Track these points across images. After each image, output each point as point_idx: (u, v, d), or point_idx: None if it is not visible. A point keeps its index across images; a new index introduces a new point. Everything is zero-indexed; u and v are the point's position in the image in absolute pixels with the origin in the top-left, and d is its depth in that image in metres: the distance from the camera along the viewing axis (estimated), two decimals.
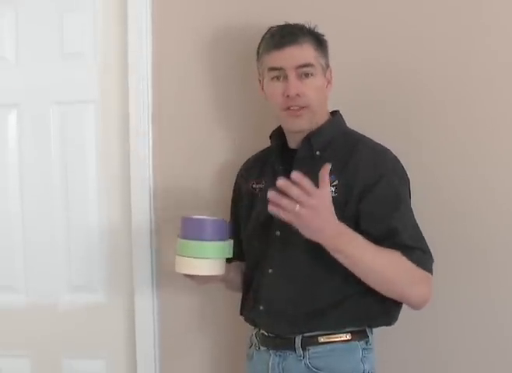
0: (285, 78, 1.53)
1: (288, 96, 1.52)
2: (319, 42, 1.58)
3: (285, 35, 1.54)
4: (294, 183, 1.30)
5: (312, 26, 1.59)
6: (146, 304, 2.00)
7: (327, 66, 1.60)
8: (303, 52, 1.53)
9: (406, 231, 1.46)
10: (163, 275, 2.00)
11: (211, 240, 1.52)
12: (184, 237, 1.53)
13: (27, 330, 2.12)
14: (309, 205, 1.30)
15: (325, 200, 1.35)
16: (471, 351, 1.79)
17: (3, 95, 2.09)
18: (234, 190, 1.79)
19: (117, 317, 2.07)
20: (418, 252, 1.45)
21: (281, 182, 1.29)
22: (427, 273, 1.46)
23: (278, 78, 1.55)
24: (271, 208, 1.32)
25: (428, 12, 1.78)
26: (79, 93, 2.05)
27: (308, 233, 1.36)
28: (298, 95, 1.52)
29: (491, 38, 1.75)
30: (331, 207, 1.36)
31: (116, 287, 2.07)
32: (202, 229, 1.53)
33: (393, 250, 1.43)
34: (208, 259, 1.52)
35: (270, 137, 1.68)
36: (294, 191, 1.29)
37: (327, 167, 1.34)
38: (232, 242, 1.57)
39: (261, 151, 1.75)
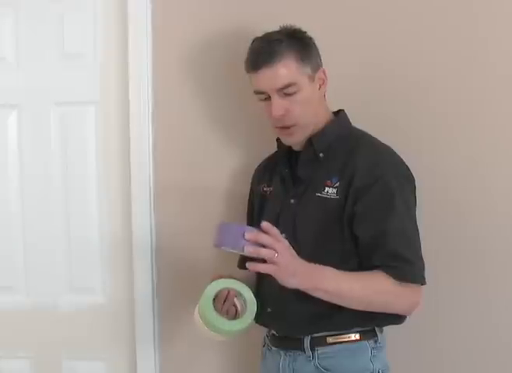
0: (269, 98, 1.52)
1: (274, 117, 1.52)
2: (302, 48, 1.52)
3: (260, 54, 1.50)
4: (264, 231, 1.34)
5: (296, 29, 1.56)
6: (146, 305, 2.00)
7: (317, 68, 1.55)
8: (281, 72, 1.48)
9: (395, 237, 1.44)
10: (164, 275, 2.00)
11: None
12: (219, 245, 1.43)
13: (27, 331, 2.12)
14: (281, 250, 1.34)
15: (288, 246, 1.38)
16: (481, 348, 1.80)
17: (3, 95, 2.09)
18: (249, 195, 1.79)
19: (117, 318, 2.07)
20: (405, 267, 1.43)
21: (250, 235, 1.33)
22: (412, 284, 1.45)
23: (265, 98, 1.54)
24: (252, 267, 1.35)
25: (429, 11, 1.78)
26: (80, 94, 2.05)
27: (286, 280, 1.37)
28: (283, 115, 1.51)
29: (491, 37, 1.75)
30: (292, 249, 1.39)
31: (116, 289, 2.06)
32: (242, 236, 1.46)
33: (374, 274, 1.43)
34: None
35: (277, 140, 1.67)
36: (266, 239, 1.33)
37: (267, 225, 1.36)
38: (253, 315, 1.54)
39: (272, 155, 1.74)
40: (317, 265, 1.42)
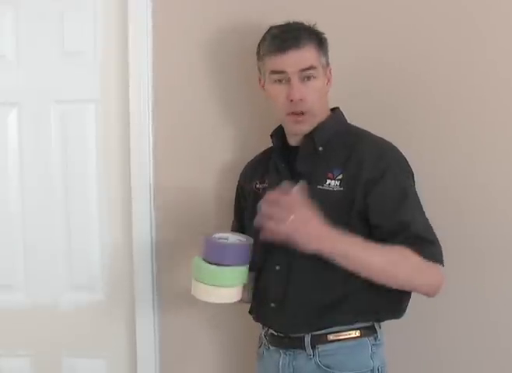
0: (288, 81, 1.53)
1: (291, 101, 1.53)
2: (320, 41, 1.58)
3: (287, 39, 1.53)
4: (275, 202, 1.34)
5: (312, 25, 1.59)
6: (146, 302, 2.00)
7: (328, 64, 1.60)
8: (306, 55, 1.53)
9: (416, 223, 1.47)
10: (164, 273, 2.00)
11: (231, 265, 1.48)
12: (204, 258, 1.49)
13: (27, 330, 2.12)
14: (299, 213, 1.33)
15: (308, 209, 1.36)
16: (477, 345, 1.81)
17: (4, 93, 2.09)
18: (237, 190, 1.79)
19: (118, 316, 2.07)
20: (428, 246, 1.46)
21: (263, 205, 1.34)
22: (437, 264, 1.47)
23: (280, 80, 1.55)
24: (264, 235, 1.35)
25: (428, 8, 1.78)
26: (80, 92, 2.05)
27: (309, 242, 1.36)
28: (301, 99, 1.52)
29: (493, 33, 1.76)
30: (316, 214, 1.37)
31: (116, 286, 2.06)
32: (224, 255, 1.48)
33: (398, 247, 1.43)
34: (227, 287, 1.50)
35: (271, 136, 1.68)
36: (278, 209, 1.33)
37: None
38: (248, 266, 1.53)
39: (264, 151, 1.75)
40: (344, 232, 1.41)
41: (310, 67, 1.53)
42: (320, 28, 1.60)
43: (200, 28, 1.92)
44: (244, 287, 1.56)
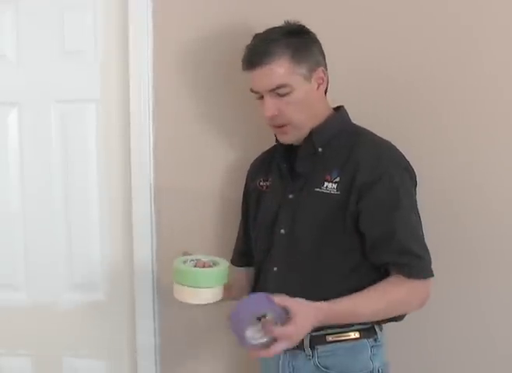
0: (262, 97, 1.54)
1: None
2: (298, 47, 1.51)
3: (254, 53, 1.51)
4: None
5: (297, 26, 1.56)
6: (147, 302, 2.01)
7: (315, 68, 1.54)
8: (273, 74, 1.49)
9: (402, 233, 1.45)
10: (164, 273, 2.00)
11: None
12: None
13: (28, 329, 2.12)
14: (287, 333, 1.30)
15: (295, 315, 1.32)
16: (477, 345, 1.81)
17: (4, 93, 2.09)
18: (244, 191, 1.79)
19: (118, 315, 2.07)
20: (413, 262, 1.45)
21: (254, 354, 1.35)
22: (422, 280, 1.46)
23: (259, 97, 1.55)
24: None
25: (429, 10, 1.78)
26: (80, 91, 2.05)
27: (306, 332, 1.36)
28: (275, 115, 1.52)
29: (490, 37, 1.75)
30: (302, 311, 1.34)
31: (117, 286, 2.07)
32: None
33: (381, 283, 1.44)
34: (207, 288, 1.52)
35: (275, 135, 1.67)
36: (276, 331, 1.29)
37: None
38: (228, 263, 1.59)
39: (269, 150, 1.75)
40: (324, 305, 1.39)
41: (280, 86, 1.49)
42: (318, 29, 1.58)
43: (200, 28, 1.92)
44: (231, 286, 1.60)
